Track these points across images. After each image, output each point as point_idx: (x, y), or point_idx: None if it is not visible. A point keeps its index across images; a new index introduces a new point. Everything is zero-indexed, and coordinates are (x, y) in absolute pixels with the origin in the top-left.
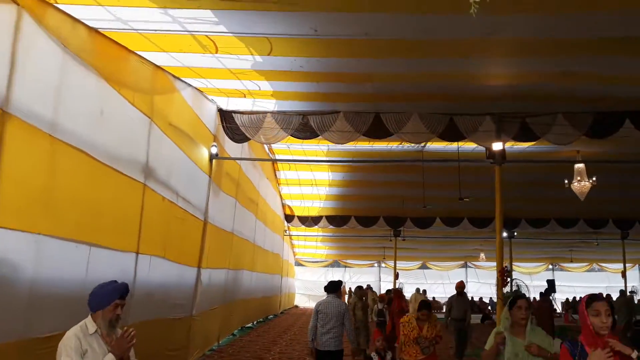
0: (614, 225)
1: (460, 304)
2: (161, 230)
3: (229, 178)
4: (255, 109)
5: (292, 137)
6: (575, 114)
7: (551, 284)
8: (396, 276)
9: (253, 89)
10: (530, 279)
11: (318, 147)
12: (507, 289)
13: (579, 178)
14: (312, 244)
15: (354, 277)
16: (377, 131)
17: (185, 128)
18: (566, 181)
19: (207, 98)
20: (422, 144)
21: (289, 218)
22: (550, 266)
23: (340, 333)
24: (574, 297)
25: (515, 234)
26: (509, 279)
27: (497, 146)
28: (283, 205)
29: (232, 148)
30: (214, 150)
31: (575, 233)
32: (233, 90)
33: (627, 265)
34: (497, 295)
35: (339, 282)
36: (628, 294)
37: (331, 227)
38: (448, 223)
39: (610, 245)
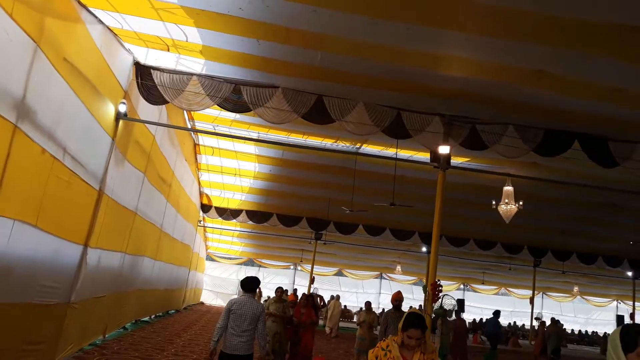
0: (528, 252)
1: (399, 321)
2: (35, 190)
3: (139, 148)
4: (180, 68)
5: (220, 107)
6: (527, 128)
7: (460, 303)
8: (312, 280)
9: (179, 38)
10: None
11: (247, 133)
12: (436, 305)
13: (506, 200)
14: (228, 239)
15: (268, 277)
16: (318, 115)
17: (88, 73)
18: (494, 202)
19: (123, 45)
20: (358, 145)
21: (205, 208)
22: (462, 286)
23: (253, 337)
24: (481, 319)
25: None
26: (440, 295)
27: (443, 150)
28: (201, 194)
29: (147, 113)
30: (122, 108)
31: (490, 256)
32: (154, 38)
33: (528, 292)
34: (426, 310)
35: (257, 281)
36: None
37: (250, 222)
38: (371, 231)
39: (521, 271)
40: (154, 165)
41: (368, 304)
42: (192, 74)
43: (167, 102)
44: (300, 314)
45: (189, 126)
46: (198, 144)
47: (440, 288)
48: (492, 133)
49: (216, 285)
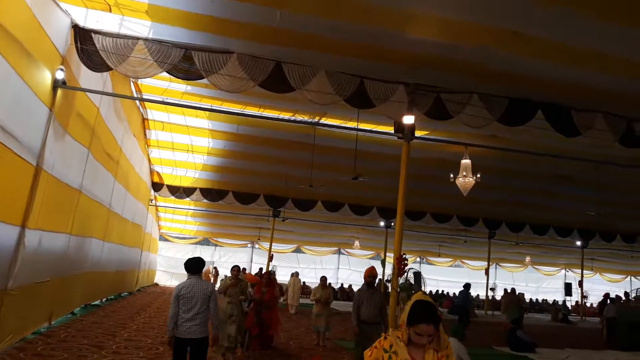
0: (484, 224)
1: (373, 300)
2: None
3: (82, 121)
4: (124, 32)
5: (169, 76)
6: (491, 97)
7: (418, 276)
8: (270, 258)
9: None
10: None
11: (199, 105)
12: (402, 280)
13: (464, 173)
14: (181, 218)
15: (224, 256)
16: (276, 83)
17: (17, 33)
18: (452, 175)
19: (59, 5)
20: (317, 119)
21: (156, 186)
22: (418, 259)
23: (207, 319)
24: (437, 290)
25: (393, 224)
26: (406, 268)
27: (408, 120)
28: (151, 171)
29: (90, 82)
30: (59, 75)
31: (446, 229)
32: None
33: (482, 263)
34: (392, 285)
35: (202, 261)
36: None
37: (205, 201)
38: (330, 208)
39: (476, 243)
40: (99, 140)
41: (323, 279)
42: (138, 38)
43: (110, 69)
44: (262, 293)
45: (137, 102)
46: (147, 119)
47: (406, 262)
48: (456, 102)
49: (170, 265)
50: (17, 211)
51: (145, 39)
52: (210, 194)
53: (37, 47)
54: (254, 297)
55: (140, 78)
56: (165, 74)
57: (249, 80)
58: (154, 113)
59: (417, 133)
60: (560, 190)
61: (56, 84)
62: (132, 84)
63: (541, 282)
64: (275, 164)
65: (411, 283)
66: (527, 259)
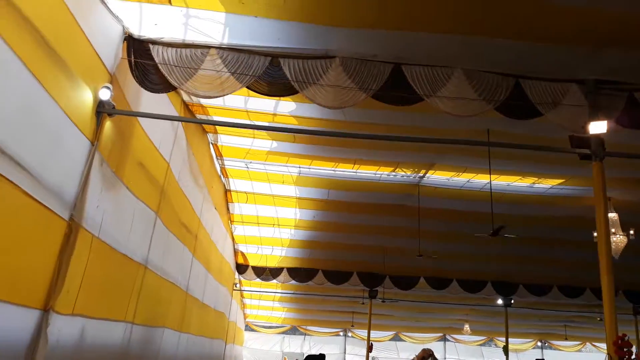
0: (624, 297)
1: None
2: None
3: (145, 174)
4: (190, 38)
5: (250, 91)
6: None
7: None
8: (370, 348)
9: None
10: (517, 356)
11: (286, 169)
12: None
13: (613, 230)
14: (268, 304)
15: (315, 347)
16: (396, 92)
17: (53, 40)
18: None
19: (109, 8)
20: (422, 173)
21: (241, 268)
22: (539, 343)
23: None
24: None
25: (512, 301)
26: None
27: (596, 129)
28: (235, 251)
29: (155, 133)
30: (104, 95)
31: (574, 305)
32: None
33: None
34: None
35: (321, 358)
36: None
37: (293, 282)
38: (435, 285)
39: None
40: (170, 203)
41: None
42: (209, 46)
43: (173, 88)
44: None
45: (218, 167)
46: (229, 190)
47: (632, 349)
48: None
49: (258, 359)
50: (36, 287)
51: (218, 47)
52: (299, 274)
53: (77, 61)
54: None
55: (209, 97)
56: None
57: (357, 90)
58: (237, 183)
59: (542, 182)
60: None
61: (100, 108)
62: (211, 145)
63: None
64: (370, 233)
65: None
66: None
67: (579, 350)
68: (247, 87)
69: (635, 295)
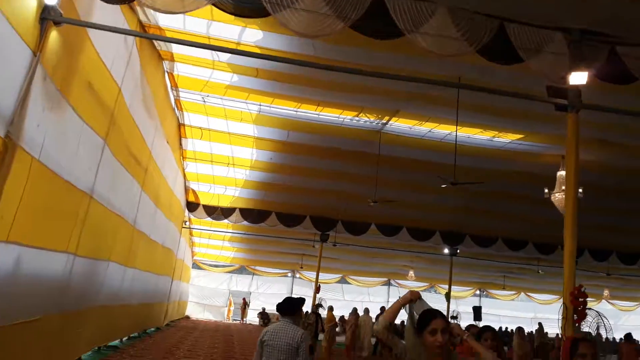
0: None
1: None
2: None
3: (94, 97)
4: None
5: (216, 8)
6: None
7: (477, 311)
8: (317, 289)
9: None
10: (456, 303)
11: (245, 105)
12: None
13: (563, 187)
14: (217, 243)
15: (262, 286)
16: (375, 23)
17: None
18: (546, 190)
19: None
20: (385, 119)
21: (191, 206)
22: (478, 292)
23: None
24: (500, 327)
25: (458, 250)
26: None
27: (576, 79)
28: (186, 189)
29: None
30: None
31: (514, 257)
32: None
33: (553, 297)
34: (564, 333)
35: (299, 301)
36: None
37: (245, 223)
38: (386, 231)
39: (550, 274)
40: (120, 132)
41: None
42: None
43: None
44: None
45: (172, 98)
46: (183, 124)
47: (585, 299)
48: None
49: (204, 296)
50: None
51: None
52: (251, 215)
53: None
54: None
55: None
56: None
57: (335, 18)
58: (192, 117)
59: (502, 137)
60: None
61: (45, 15)
62: (166, 74)
63: (617, 319)
64: (328, 178)
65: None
66: (606, 292)
67: (513, 300)
68: (213, 5)
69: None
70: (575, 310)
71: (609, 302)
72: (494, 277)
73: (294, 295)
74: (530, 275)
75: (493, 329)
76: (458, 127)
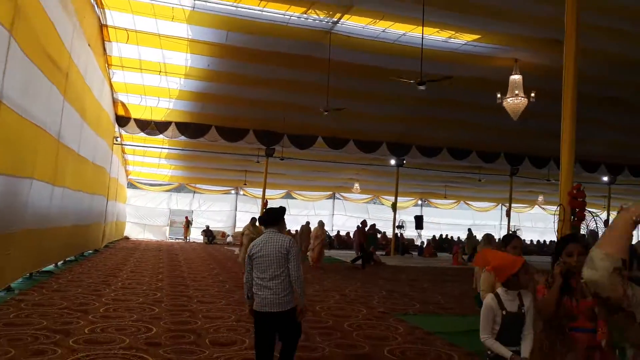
0: (505, 160)
1: None
2: None
3: None
4: None
5: None
6: None
7: (419, 220)
8: (265, 205)
9: None
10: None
11: (178, 1)
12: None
13: (516, 92)
14: (153, 161)
15: (204, 205)
16: None
17: None
18: (499, 95)
19: None
20: (337, 17)
21: (121, 120)
22: (420, 202)
23: (286, 284)
24: (440, 235)
25: (405, 161)
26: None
27: None
28: (114, 102)
29: None
30: None
31: (456, 166)
32: None
33: (490, 204)
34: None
35: (281, 210)
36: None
37: (182, 138)
38: (332, 144)
39: (488, 182)
40: (30, 26)
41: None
42: None
43: None
44: None
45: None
46: (106, 25)
47: (584, 199)
48: None
49: (142, 216)
50: None
51: None
52: (189, 129)
53: None
54: None
55: None
56: None
57: None
58: (115, 16)
59: (463, 38)
60: (602, 117)
61: None
62: None
63: (548, 222)
64: (272, 87)
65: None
66: (540, 198)
67: (453, 208)
68: None
69: (513, 158)
70: (572, 211)
71: (541, 208)
72: (436, 187)
73: (239, 212)
74: (471, 184)
75: (519, 236)
76: (411, 27)
